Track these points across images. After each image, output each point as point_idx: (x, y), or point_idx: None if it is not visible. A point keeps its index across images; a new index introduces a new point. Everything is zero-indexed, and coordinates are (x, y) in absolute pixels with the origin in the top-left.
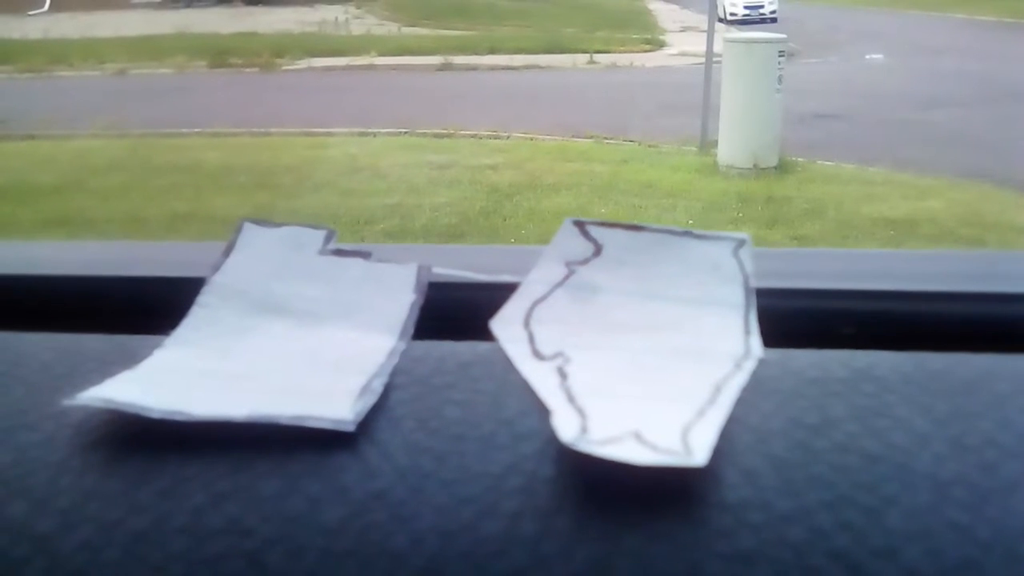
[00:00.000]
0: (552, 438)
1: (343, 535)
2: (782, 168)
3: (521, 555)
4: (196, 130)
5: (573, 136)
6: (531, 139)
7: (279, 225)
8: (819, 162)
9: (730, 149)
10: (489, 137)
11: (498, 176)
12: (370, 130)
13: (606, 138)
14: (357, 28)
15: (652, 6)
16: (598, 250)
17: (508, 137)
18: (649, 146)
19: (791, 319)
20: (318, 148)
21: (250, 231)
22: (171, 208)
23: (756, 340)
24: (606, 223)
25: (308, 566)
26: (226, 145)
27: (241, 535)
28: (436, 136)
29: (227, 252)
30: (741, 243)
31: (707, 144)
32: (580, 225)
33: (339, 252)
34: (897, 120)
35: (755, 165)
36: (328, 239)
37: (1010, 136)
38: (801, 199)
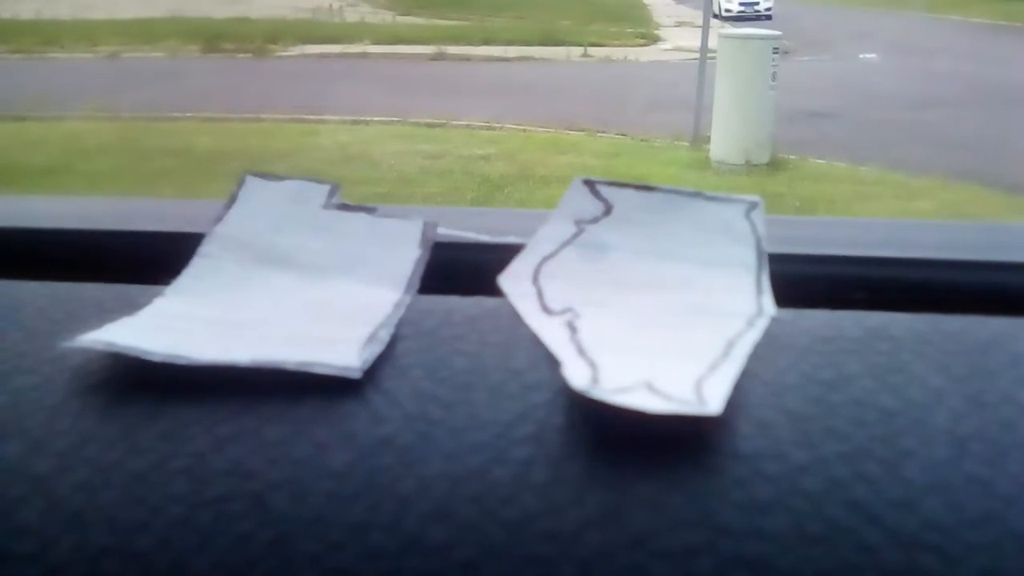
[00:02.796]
0: (562, 389)
1: (349, 479)
2: (774, 165)
3: (531, 501)
4: (187, 115)
5: (566, 128)
6: (524, 131)
7: (282, 178)
8: (811, 160)
9: (722, 145)
10: (482, 128)
11: (490, 167)
12: (362, 118)
13: (598, 131)
14: (351, 16)
15: (647, 0)
16: (608, 209)
17: (501, 128)
18: (641, 140)
19: (803, 283)
20: (310, 135)
21: (253, 184)
22: (161, 192)
23: (769, 299)
24: (617, 182)
25: (313, 509)
26: (217, 130)
27: (244, 477)
28: (428, 126)
29: (229, 204)
30: (753, 205)
31: (699, 139)
32: (590, 184)
33: (343, 207)
34: (890, 120)
35: (747, 161)
36: (332, 193)
37: (1001, 138)
38: (792, 196)
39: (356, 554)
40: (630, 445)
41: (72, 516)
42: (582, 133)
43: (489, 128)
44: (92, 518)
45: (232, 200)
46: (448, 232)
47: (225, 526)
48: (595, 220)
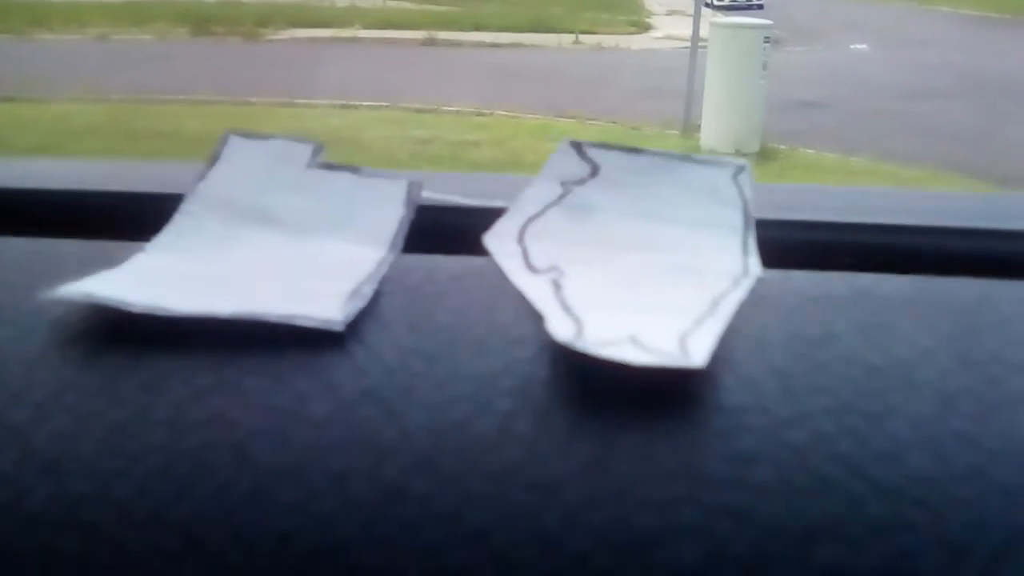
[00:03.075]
0: (547, 343)
1: (330, 429)
2: (764, 154)
3: (515, 452)
4: (177, 97)
5: (556, 116)
6: (514, 117)
7: (266, 137)
8: (801, 150)
9: (713, 134)
10: (472, 114)
11: (480, 153)
12: (352, 103)
13: (589, 119)
14: (341, 0)
15: None
16: (595, 171)
17: (491, 114)
18: (632, 128)
19: (792, 248)
20: (299, 119)
21: (235, 143)
22: None
23: (755, 260)
24: (604, 145)
25: (294, 458)
26: (207, 113)
27: (224, 427)
28: (418, 111)
29: (211, 163)
30: (741, 169)
31: (690, 128)
32: (577, 146)
33: (327, 166)
34: (880, 110)
35: (737, 150)
36: (316, 153)
37: (991, 129)
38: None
39: (337, 503)
40: (614, 398)
41: (50, 465)
42: (572, 120)
43: (479, 114)
44: (70, 467)
45: (215, 159)
46: (433, 195)
47: (205, 475)
48: (581, 181)
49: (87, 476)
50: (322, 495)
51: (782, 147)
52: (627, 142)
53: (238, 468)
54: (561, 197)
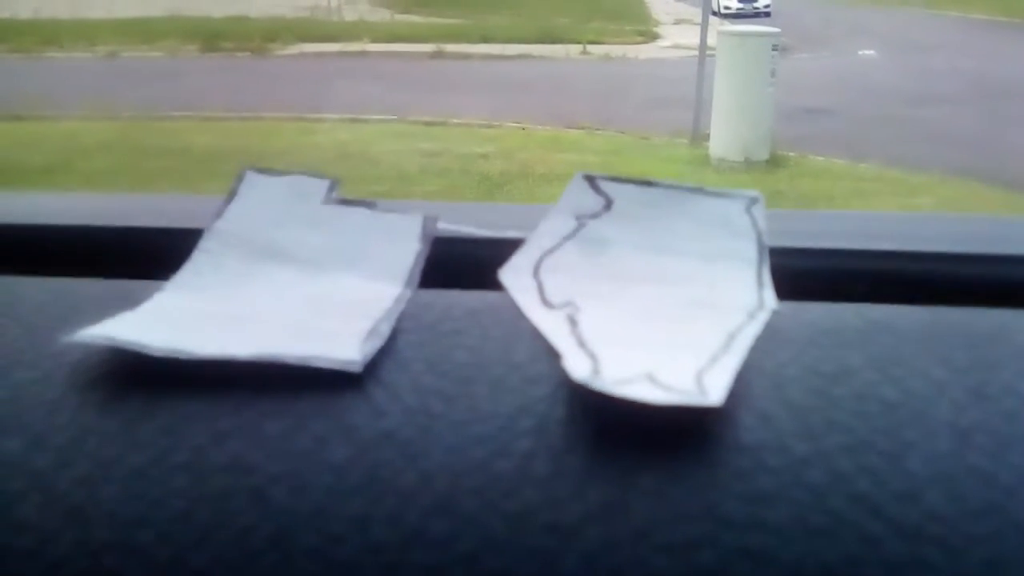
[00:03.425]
0: (563, 382)
1: (350, 473)
2: (773, 162)
3: (533, 494)
4: (186, 114)
5: (565, 126)
6: (523, 129)
7: (282, 173)
8: (810, 157)
9: (722, 142)
10: (481, 126)
11: (489, 165)
12: (361, 117)
13: (597, 129)
14: (349, 14)
15: None
16: (609, 204)
17: (500, 126)
18: (641, 138)
19: (805, 277)
20: (308, 134)
21: (252, 179)
22: (161, 190)
23: (770, 293)
24: (617, 178)
25: (314, 503)
26: (216, 129)
27: (244, 472)
28: (427, 124)
29: (229, 200)
30: (754, 201)
31: (699, 137)
32: (590, 179)
33: (343, 201)
34: (888, 116)
35: (746, 158)
36: (331, 188)
37: (999, 134)
38: (792, 193)
39: (357, 548)
40: (631, 438)
41: (72, 511)
42: (581, 131)
43: (488, 126)
44: (92, 513)
45: (232, 195)
46: (448, 227)
47: (225, 520)
48: (595, 215)
49: (109, 523)
50: (343, 540)
51: (791, 154)
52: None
53: (259, 513)
54: (576, 231)
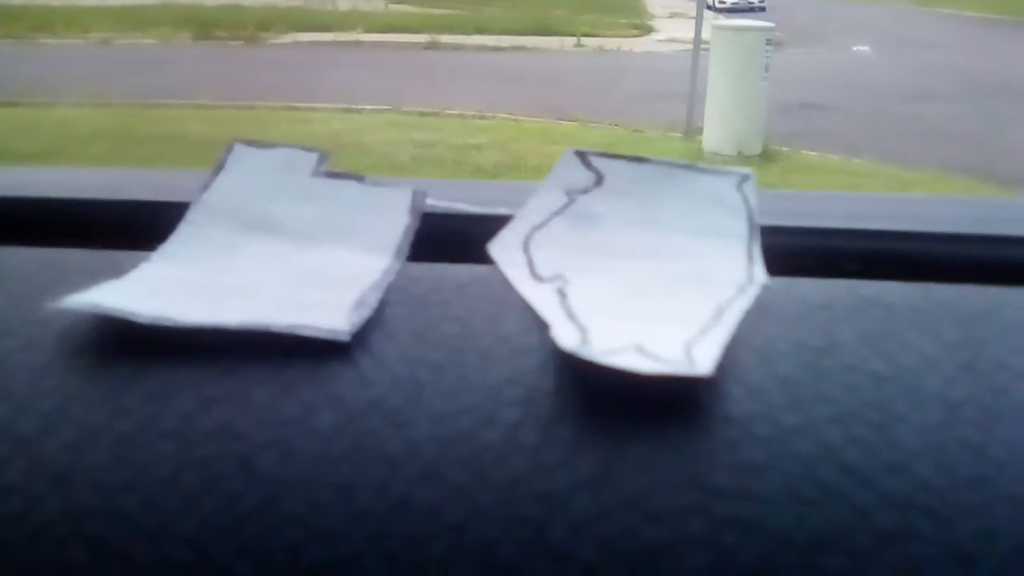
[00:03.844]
0: (552, 353)
1: (337, 440)
2: (766, 156)
3: (521, 463)
4: (180, 102)
5: (558, 119)
6: (516, 120)
7: (271, 146)
8: (803, 152)
9: (715, 136)
10: (474, 117)
11: (482, 156)
12: (355, 106)
13: (591, 122)
14: (344, 4)
15: None
16: (599, 180)
17: (493, 118)
18: (634, 131)
19: (796, 255)
20: (302, 123)
21: (240, 152)
22: None
23: (760, 268)
24: (608, 154)
25: (300, 469)
26: (210, 117)
27: (231, 438)
28: (421, 114)
29: (216, 172)
30: (745, 178)
31: (692, 131)
32: (581, 155)
33: (332, 175)
34: (882, 112)
35: (740, 153)
36: (321, 161)
37: (993, 131)
38: (784, 187)
39: (343, 515)
40: (620, 407)
41: (57, 476)
42: (575, 123)
43: (481, 117)
44: (78, 479)
45: (219, 167)
46: (438, 203)
47: (211, 487)
48: (586, 190)
49: (95, 488)
50: (329, 507)
51: (784, 149)
52: (630, 145)
53: (245, 480)
54: (566, 206)
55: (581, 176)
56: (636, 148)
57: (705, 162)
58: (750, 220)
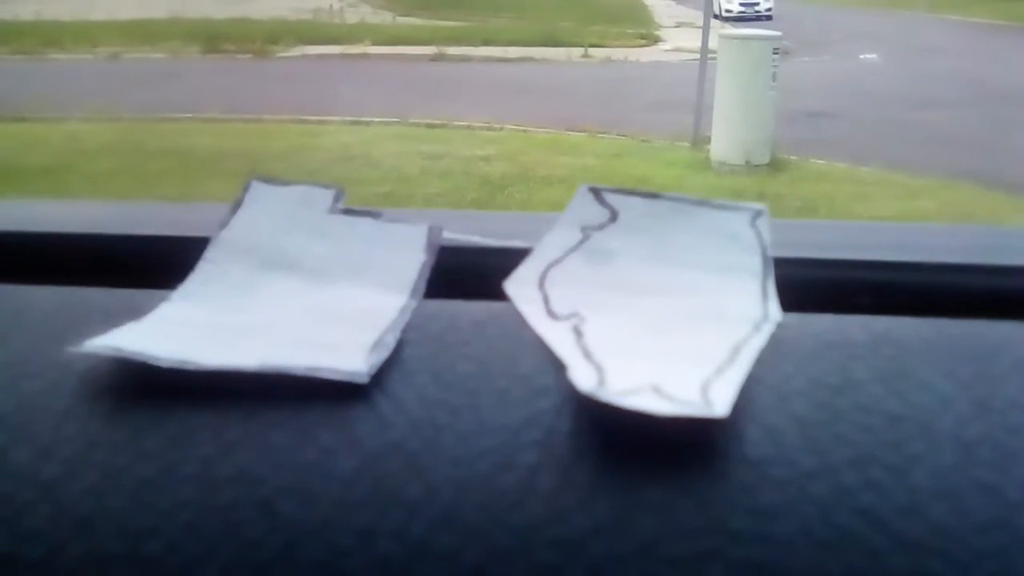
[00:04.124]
0: (569, 394)
1: (356, 485)
2: (774, 165)
3: (539, 507)
4: (188, 115)
5: (566, 129)
6: (524, 131)
7: (287, 183)
8: (811, 160)
9: (723, 145)
10: (482, 128)
11: (490, 167)
12: (363, 119)
13: (599, 132)
14: (351, 16)
15: (648, 1)
16: (614, 216)
17: (501, 129)
18: (642, 141)
19: (809, 288)
20: (310, 136)
21: (258, 189)
22: (162, 192)
23: (774, 305)
24: (622, 190)
25: (320, 515)
26: (218, 131)
27: (252, 483)
28: (429, 126)
29: (234, 209)
30: (759, 213)
31: (700, 140)
32: (595, 191)
33: (348, 211)
34: (890, 120)
35: (747, 162)
36: (337, 198)
37: (1000, 138)
38: (793, 197)
39: (363, 560)
40: (637, 450)
41: (80, 521)
42: (583, 134)
43: (489, 129)
44: (100, 524)
45: (237, 205)
46: (453, 236)
47: (233, 532)
48: (601, 227)
49: (118, 534)
50: (350, 552)
51: (792, 158)
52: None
53: (266, 526)
54: (581, 242)
55: (595, 212)
56: (644, 157)
57: (713, 170)
58: (764, 256)
